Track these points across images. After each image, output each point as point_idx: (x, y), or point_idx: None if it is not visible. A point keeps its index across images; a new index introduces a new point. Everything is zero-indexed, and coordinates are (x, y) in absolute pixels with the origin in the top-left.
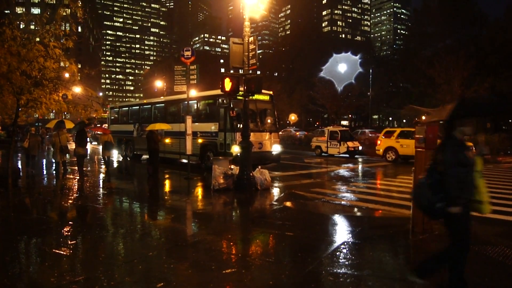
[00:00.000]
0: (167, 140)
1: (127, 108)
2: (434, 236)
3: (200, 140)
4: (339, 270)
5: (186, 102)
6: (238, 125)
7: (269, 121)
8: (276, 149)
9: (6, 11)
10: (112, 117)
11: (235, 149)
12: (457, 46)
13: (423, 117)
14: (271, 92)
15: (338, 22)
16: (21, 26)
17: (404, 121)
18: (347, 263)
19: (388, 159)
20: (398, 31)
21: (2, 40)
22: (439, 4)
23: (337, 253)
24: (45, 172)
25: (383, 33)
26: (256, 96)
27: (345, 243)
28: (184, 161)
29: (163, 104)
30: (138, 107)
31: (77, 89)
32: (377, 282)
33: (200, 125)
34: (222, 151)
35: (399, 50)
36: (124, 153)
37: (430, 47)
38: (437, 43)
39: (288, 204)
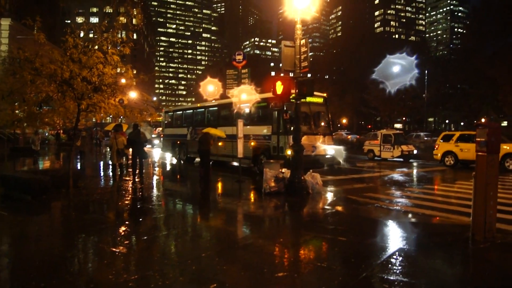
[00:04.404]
0: (220, 143)
1: (180, 112)
2: (496, 245)
3: (252, 143)
4: (393, 278)
5: (238, 105)
6: (292, 128)
7: (322, 123)
8: (330, 152)
9: (68, 21)
10: (166, 121)
11: (289, 153)
12: None
13: (483, 119)
14: (325, 95)
15: (391, 22)
16: (81, 35)
17: (462, 124)
18: (402, 271)
19: (447, 163)
20: (455, 30)
21: (65, 48)
22: (501, 0)
23: (392, 260)
24: (102, 173)
25: (439, 32)
26: (310, 99)
27: (400, 250)
28: (236, 164)
29: (216, 108)
30: (191, 110)
31: (133, 94)
32: None
33: (252, 128)
34: (276, 154)
35: (457, 50)
36: (178, 156)
37: (490, 45)
38: (498, 41)
39: (340, 208)
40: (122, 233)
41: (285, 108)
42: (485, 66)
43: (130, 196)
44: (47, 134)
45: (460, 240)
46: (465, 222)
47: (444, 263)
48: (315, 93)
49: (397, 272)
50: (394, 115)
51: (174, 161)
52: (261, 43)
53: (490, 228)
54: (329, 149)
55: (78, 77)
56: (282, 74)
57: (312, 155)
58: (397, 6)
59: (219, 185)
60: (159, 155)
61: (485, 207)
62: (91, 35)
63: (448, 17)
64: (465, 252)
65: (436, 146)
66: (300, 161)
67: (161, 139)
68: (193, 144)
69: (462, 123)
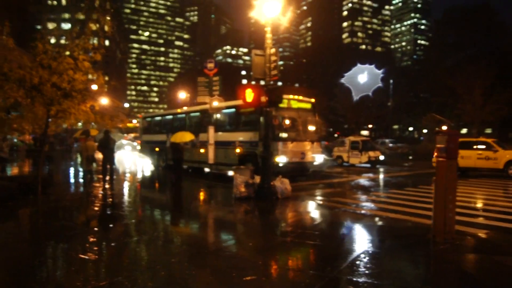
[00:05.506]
0: (202, 150)
1: (159, 118)
2: (455, 246)
3: (238, 150)
4: (359, 279)
5: (223, 110)
6: (280, 134)
7: (311, 130)
8: (318, 159)
9: (38, 27)
10: (144, 127)
11: (277, 160)
12: (479, 56)
13: (444, 127)
14: (313, 100)
15: (359, 34)
16: (52, 41)
17: (425, 131)
18: (367, 272)
19: None
20: (418, 41)
21: (35, 54)
22: (461, 15)
23: (357, 262)
24: (72, 180)
25: (403, 44)
26: (298, 104)
27: (365, 252)
28: (228, 172)
29: (198, 113)
30: (171, 116)
31: (104, 100)
32: None
33: (238, 134)
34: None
35: (420, 60)
36: (157, 163)
37: (451, 57)
38: (458, 53)
39: (308, 213)
40: (91, 240)
41: (273, 114)
42: (446, 77)
43: (100, 202)
44: (15, 140)
45: (422, 241)
46: (426, 225)
47: (407, 264)
48: (303, 98)
49: (362, 273)
50: (361, 122)
51: (149, 167)
52: (233, 52)
53: (449, 230)
54: (318, 156)
55: (47, 82)
56: (253, 82)
57: (301, 162)
58: (364, 18)
59: (191, 191)
60: (134, 161)
61: (444, 210)
62: (62, 41)
63: (412, 30)
64: (426, 253)
65: (435, 154)
66: (269, 167)
67: (137, 146)
68: None
69: (424, 130)
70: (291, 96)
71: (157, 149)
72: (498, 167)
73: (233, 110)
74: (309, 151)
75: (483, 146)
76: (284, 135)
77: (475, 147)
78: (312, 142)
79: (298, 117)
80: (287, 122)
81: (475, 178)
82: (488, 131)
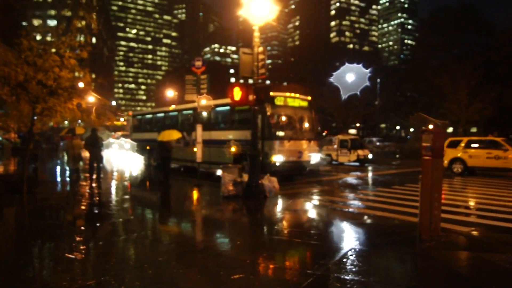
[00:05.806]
0: (195, 149)
1: (150, 116)
2: (441, 244)
3: (233, 149)
4: (346, 277)
5: (216, 108)
6: (277, 132)
7: (308, 128)
8: (315, 158)
9: (24, 23)
10: (134, 125)
11: (274, 159)
12: (464, 56)
13: (430, 126)
14: (309, 98)
15: (346, 33)
16: (38, 38)
17: (412, 130)
18: (354, 269)
19: (454, 171)
20: (405, 41)
21: (20, 51)
22: (446, 15)
23: (344, 260)
24: (58, 178)
25: (390, 43)
26: (294, 102)
27: (353, 250)
28: (218, 170)
29: (191, 111)
30: (163, 114)
31: (91, 98)
32: None
33: (233, 132)
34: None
35: (407, 60)
36: (148, 161)
37: (437, 57)
38: (444, 53)
39: (296, 211)
40: (78, 239)
41: (270, 112)
42: (432, 76)
43: (86, 201)
44: (0, 138)
45: (408, 239)
46: (413, 222)
47: (393, 261)
48: (300, 95)
49: (350, 270)
50: (349, 121)
51: (138, 166)
52: (221, 50)
53: (435, 228)
54: (315, 155)
55: (33, 80)
56: (241, 81)
57: (298, 160)
58: (351, 18)
59: (179, 189)
60: (122, 160)
61: (430, 208)
62: (48, 38)
63: (399, 30)
64: (412, 250)
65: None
66: (257, 166)
67: (125, 144)
68: None
69: (412, 129)
70: (287, 94)
71: (148, 147)
72: (508, 166)
73: (227, 108)
74: (306, 150)
75: (493, 145)
76: (281, 133)
77: (483, 146)
78: (309, 141)
79: (294, 115)
80: (283, 120)
81: (480, 177)
82: (474, 130)
